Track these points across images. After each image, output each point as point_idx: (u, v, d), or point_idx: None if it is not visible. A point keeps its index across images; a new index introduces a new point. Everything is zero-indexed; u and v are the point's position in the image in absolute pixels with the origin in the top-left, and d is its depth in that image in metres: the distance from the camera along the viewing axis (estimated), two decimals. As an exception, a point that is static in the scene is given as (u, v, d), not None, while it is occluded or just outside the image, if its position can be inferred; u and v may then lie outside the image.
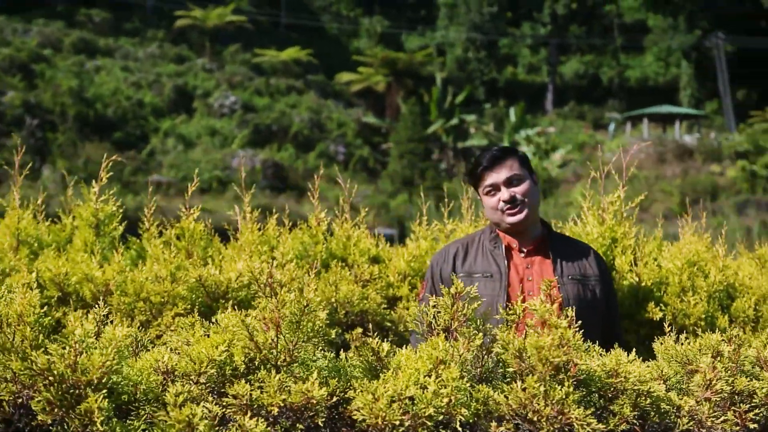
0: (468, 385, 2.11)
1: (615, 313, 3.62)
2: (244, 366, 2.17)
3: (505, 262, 3.53)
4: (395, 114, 43.61)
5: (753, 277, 4.61)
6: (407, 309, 4.26)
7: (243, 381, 2.09)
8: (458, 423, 2.04)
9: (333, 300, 4.09)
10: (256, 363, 2.18)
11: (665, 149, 38.58)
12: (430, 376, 2.13)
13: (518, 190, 3.49)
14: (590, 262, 3.56)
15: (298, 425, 2.05)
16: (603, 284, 3.53)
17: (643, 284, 4.19)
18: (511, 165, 3.50)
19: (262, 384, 2.09)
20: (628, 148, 40.49)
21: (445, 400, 2.04)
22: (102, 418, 1.94)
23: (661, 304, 4.13)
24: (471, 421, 2.07)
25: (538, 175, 3.71)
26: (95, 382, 1.98)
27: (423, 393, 2.05)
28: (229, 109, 40.75)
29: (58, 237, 4.37)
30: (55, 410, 1.96)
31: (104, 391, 1.98)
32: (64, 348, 2.00)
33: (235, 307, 3.82)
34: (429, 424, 2.03)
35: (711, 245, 4.92)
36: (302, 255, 4.45)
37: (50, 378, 1.98)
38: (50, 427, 2.03)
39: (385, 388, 2.07)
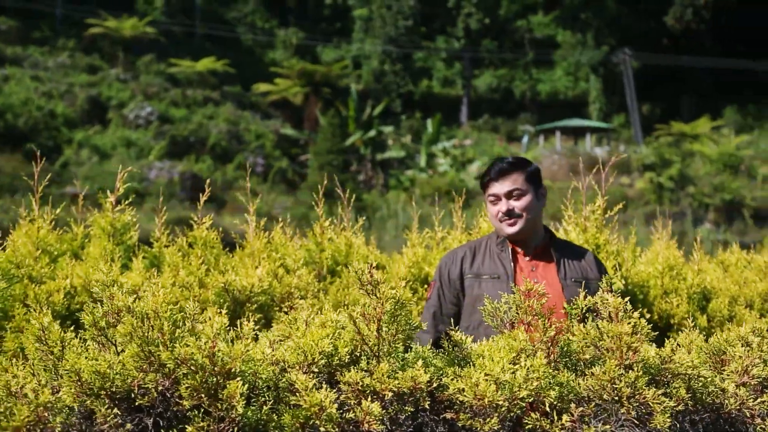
0: (551, 370, 2.37)
1: None
2: (348, 357, 2.39)
3: (512, 264, 3.74)
4: (313, 126, 43.78)
5: (720, 280, 5.02)
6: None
7: (352, 370, 2.32)
8: (547, 405, 2.31)
9: (345, 303, 4.31)
10: (358, 354, 2.40)
11: (577, 161, 39.74)
12: (514, 363, 2.39)
13: (517, 204, 3.71)
14: (591, 266, 3.79)
15: (406, 408, 2.28)
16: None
17: (630, 288, 4.53)
18: (516, 179, 3.72)
19: (367, 372, 2.31)
20: (541, 160, 41.30)
21: (535, 383, 2.30)
22: (243, 403, 2.14)
23: (645, 306, 4.48)
24: (556, 403, 2.34)
25: (545, 188, 3.89)
26: (234, 371, 2.18)
27: (514, 377, 2.30)
28: (145, 121, 40.26)
29: (71, 246, 4.48)
30: (201, 396, 2.15)
31: (239, 379, 2.18)
32: (199, 340, 2.19)
33: (258, 310, 4.03)
34: (522, 405, 2.28)
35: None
36: (308, 261, 4.66)
37: (193, 367, 2.17)
38: (187, 413, 2.22)
39: (480, 373, 2.32)
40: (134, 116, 40.19)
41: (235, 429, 2.19)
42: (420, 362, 2.32)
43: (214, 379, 2.19)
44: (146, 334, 2.22)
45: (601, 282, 3.71)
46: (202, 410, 2.23)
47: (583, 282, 3.68)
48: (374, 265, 4.86)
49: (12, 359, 3.10)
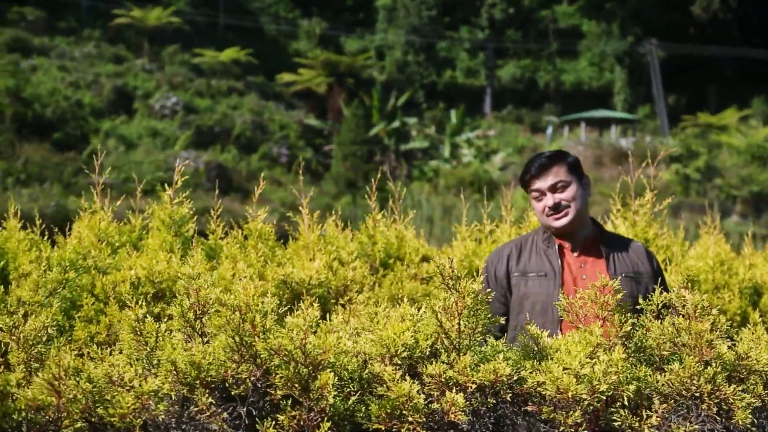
0: (630, 365, 2.42)
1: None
2: (428, 349, 2.45)
3: (559, 261, 3.67)
4: (337, 116, 43.83)
5: (770, 274, 5.03)
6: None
7: (434, 362, 2.38)
8: (626, 398, 2.36)
9: (399, 296, 4.36)
10: (437, 347, 2.46)
11: (602, 152, 39.61)
12: (591, 358, 2.44)
13: (563, 196, 3.64)
14: (642, 260, 3.68)
15: (488, 400, 2.34)
16: (656, 281, 3.59)
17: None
18: (557, 171, 3.66)
19: (448, 365, 2.37)
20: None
21: (614, 377, 2.35)
22: (334, 393, 2.21)
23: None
24: (634, 397, 2.39)
25: (588, 178, 3.82)
26: (324, 362, 2.24)
27: (593, 371, 2.35)
28: (171, 111, 40.47)
29: (129, 237, 4.56)
30: (295, 386, 2.22)
31: (329, 370, 2.25)
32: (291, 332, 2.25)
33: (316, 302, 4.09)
34: (602, 398, 2.34)
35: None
36: (361, 254, 4.72)
37: (286, 358, 2.23)
38: (277, 403, 2.29)
39: (559, 367, 2.37)
40: (160, 106, 40.40)
41: (325, 418, 2.25)
42: (501, 356, 2.38)
43: (305, 369, 2.25)
44: (240, 326, 2.29)
45: (653, 276, 3.67)
46: (291, 400, 2.30)
47: (635, 276, 3.62)
48: (422, 257, 4.91)
49: (81, 348, 3.17)
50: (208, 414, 2.18)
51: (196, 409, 2.21)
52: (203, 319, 2.34)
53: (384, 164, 42.35)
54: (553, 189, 3.66)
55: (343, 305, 4.13)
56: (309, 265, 4.26)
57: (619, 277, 3.49)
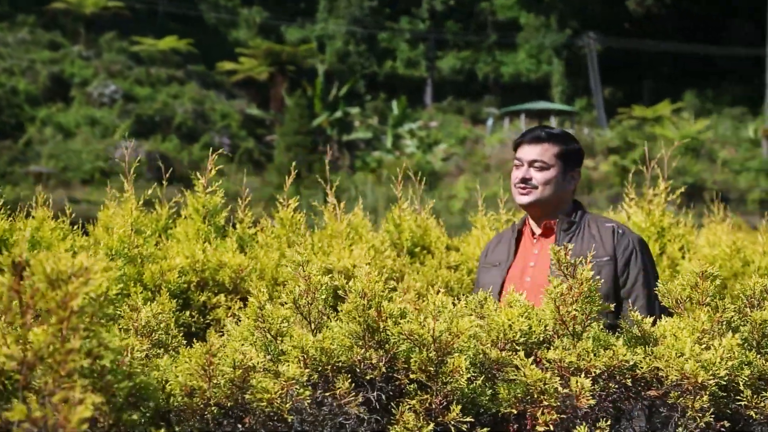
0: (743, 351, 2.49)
1: (642, 292, 3.34)
2: (542, 335, 2.48)
3: (514, 249, 3.54)
4: (279, 106, 43.58)
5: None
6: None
7: (551, 347, 2.41)
8: (742, 384, 2.43)
9: (435, 283, 4.39)
10: (550, 333, 2.50)
11: (543, 144, 40.16)
12: (698, 344, 2.50)
13: (537, 175, 3.45)
14: (605, 243, 3.38)
15: (610, 384, 2.39)
16: (616, 265, 3.35)
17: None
18: (545, 150, 3.47)
19: (567, 350, 2.41)
20: (507, 142, 41.63)
21: (730, 362, 2.42)
22: (467, 376, 2.23)
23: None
24: (750, 382, 2.46)
25: (579, 173, 3.56)
26: (455, 347, 2.26)
27: (712, 356, 2.41)
28: (110, 99, 39.76)
29: (156, 226, 4.50)
30: (429, 370, 2.23)
31: (459, 354, 2.27)
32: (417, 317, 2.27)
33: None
34: (722, 383, 2.40)
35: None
36: (390, 243, 4.74)
37: (417, 343, 2.25)
38: (404, 388, 2.30)
39: (672, 352, 2.43)
40: (98, 94, 39.67)
41: (454, 401, 2.27)
42: (621, 341, 2.43)
43: (433, 354, 2.27)
44: (366, 311, 2.30)
45: (613, 262, 3.33)
46: (418, 384, 2.32)
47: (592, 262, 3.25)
48: (446, 246, 4.95)
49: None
50: (346, 399, 2.18)
51: (328, 393, 2.22)
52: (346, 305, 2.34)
53: (327, 154, 42.25)
54: (531, 164, 3.48)
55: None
56: (345, 254, 4.26)
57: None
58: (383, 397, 2.30)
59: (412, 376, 2.26)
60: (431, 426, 2.23)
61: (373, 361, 2.28)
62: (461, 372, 2.24)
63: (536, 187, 3.46)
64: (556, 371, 2.38)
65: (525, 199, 3.46)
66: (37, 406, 1.56)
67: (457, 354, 2.27)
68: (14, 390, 1.75)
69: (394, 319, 2.31)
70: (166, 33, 45.85)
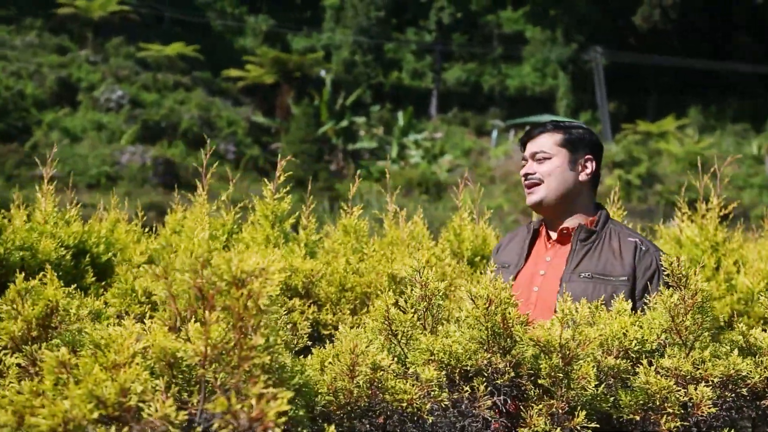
0: None
1: None
2: (654, 344, 2.54)
3: (526, 251, 3.31)
4: (285, 114, 43.66)
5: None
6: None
7: (665, 356, 2.47)
8: None
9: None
10: (662, 342, 2.55)
11: (548, 157, 40.26)
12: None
13: (540, 168, 3.25)
14: (624, 261, 3.10)
15: (726, 393, 2.44)
16: (635, 285, 3.09)
17: (759, 284, 4.72)
18: (547, 140, 3.27)
19: (681, 359, 2.46)
20: (512, 154, 41.71)
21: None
22: (594, 383, 2.29)
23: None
24: None
25: (593, 162, 3.33)
26: (579, 354, 2.32)
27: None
28: (116, 104, 39.81)
29: (223, 230, 4.55)
30: (558, 376, 2.28)
31: (589, 358, 2.32)
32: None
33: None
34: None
35: None
36: (450, 252, 4.79)
37: (545, 348, 2.30)
38: (525, 393, 2.35)
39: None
40: (105, 99, 39.72)
41: (578, 407, 2.32)
42: (735, 351, 2.48)
43: (559, 361, 2.32)
44: (493, 317, 2.35)
45: (631, 280, 3.06)
46: (541, 389, 2.37)
47: (601, 278, 3.08)
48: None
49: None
50: (480, 402, 2.23)
51: (465, 395, 2.27)
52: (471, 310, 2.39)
53: (332, 163, 42.34)
54: (533, 157, 3.29)
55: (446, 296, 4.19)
56: (408, 261, 4.31)
57: (570, 276, 3.14)
58: (508, 401, 2.35)
59: (540, 381, 2.31)
60: (558, 430, 2.28)
61: (500, 366, 2.33)
62: (589, 379, 2.29)
63: (539, 182, 3.24)
64: (672, 379, 2.43)
65: (532, 199, 3.25)
66: (235, 401, 1.61)
67: (582, 361, 2.32)
68: (193, 384, 1.80)
69: (520, 326, 2.36)
70: (172, 39, 45.96)
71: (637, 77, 50.23)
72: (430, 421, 2.15)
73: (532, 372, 2.36)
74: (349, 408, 2.12)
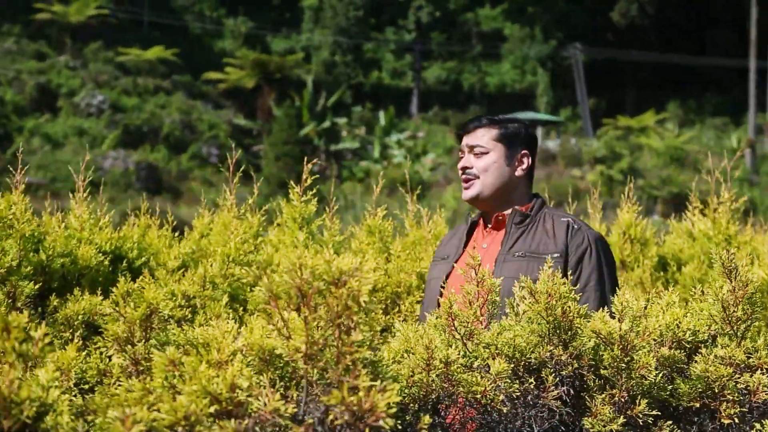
0: None
1: (594, 295, 3.14)
2: (706, 334, 2.63)
3: (464, 242, 3.37)
4: (266, 116, 43.62)
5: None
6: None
7: (718, 346, 2.56)
8: None
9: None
10: (712, 332, 2.64)
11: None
12: None
13: (477, 163, 3.29)
14: (557, 239, 3.17)
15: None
16: (567, 262, 3.14)
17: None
18: (484, 134, 3.32)
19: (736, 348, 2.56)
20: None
21: None
22: (654, 376, 2.37)
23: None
24: None
25: (529, 157, 3.38)
26: (636, 345, 2.40)
27: None
28: (97, 109, 39.65)
29: (249, 233, 4.61)
30: (621, 367, 2.37)
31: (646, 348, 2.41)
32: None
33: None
34: None
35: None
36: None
37: (606, 340, 2.39)
38: (585, 383, 2.44)
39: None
40: (85, 104, 39.55)
41: (639, 397, 2.41)
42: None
43: (619, 352, 2.40)
44: (553, 311, 2.43)
45: (564, 256, 3.12)
46: (602, 380, 2.45)
47: (533, 256, 3.13)
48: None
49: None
50: (550, 393, 2.31)
51: (523, 387, 2.35)
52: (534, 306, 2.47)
53: (314, 164, 42.33)
54: (471, 151, 3.33)
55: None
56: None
57: (504, 257, 3.19)
58: (572, 391, 2.43)
59: (602, 372, 2.40)
60: (621, 419, 2.36)
61: (563, 358, 2.41)
62: (649, 368, 2.38)
63: (476, 177, 3.29)
64: (729, 368, 2.52)
65: (468, 194, 3.31)
66: (348, 393, 1.68)
67: (642, 351, 2.41)
68: (286, 379, 1.87)
69: (581, 318, 2.45)
70: (151, 43, 45.78)
71: (615, 73, 50.59)
72: (505, 411, 2.22)
73: (593, 363, 2.44)
74: (424, 400, 2.20)
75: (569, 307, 2.44)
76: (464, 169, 3.31)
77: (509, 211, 3.29)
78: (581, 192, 39.18)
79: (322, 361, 1.80)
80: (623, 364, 2.37)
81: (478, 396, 2.21)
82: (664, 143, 42.82)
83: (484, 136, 3.30)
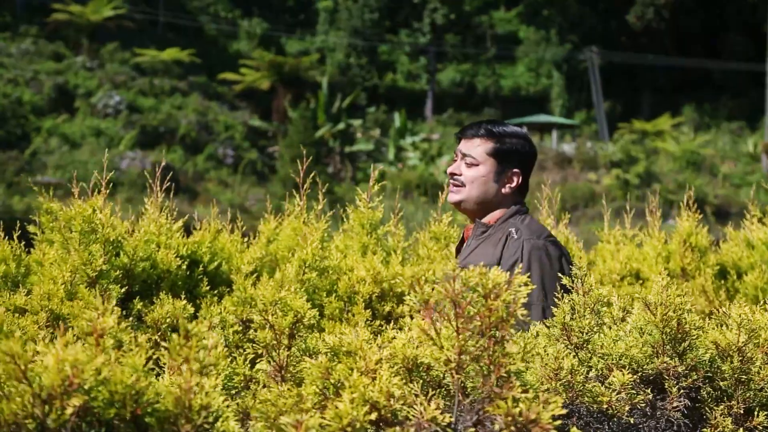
0: None
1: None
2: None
3: (456, 249, 3.52)
4: (281, 118, 43.70)
5: None
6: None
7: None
8: None
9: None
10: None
11: (546, 157, 40.44)
12: None
13: (465, 172, 3.31)
14: (496, 250, 3.19)
15: None
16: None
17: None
18: (477, 146, 3.31)
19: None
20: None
21: None
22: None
23: None
24: None
25: (519, 175, 3.34)
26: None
27: None
28: (114, 110, 39.76)
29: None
30: (741, 377, 2.38)
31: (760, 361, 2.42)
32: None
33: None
34: None
35: None
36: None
37: (723, 352, 2.39)
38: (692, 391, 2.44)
39: None
40: (102, 105, 39.66)
41: (756, 408, 2.41)
42: None
43: (737, 363, 2.40)
44: (669, 323, 2.43)
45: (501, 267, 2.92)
46: (719, 392, 2.45)
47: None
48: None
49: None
50: (673, 404, 2.31)
51: (646, 397, 2.34)
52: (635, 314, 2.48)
53: (329, 166, 42.40)
54: (464, 159, 3.34)
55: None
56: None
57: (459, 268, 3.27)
58: (689, 402, 2.43)
59: (722, 384, 2.40)
60: (741, 430, 2.36)
61: (679, 370, 2.41)
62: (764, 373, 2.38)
63: (462, 185, 3.31)
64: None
65: (452, 198, 3.36)
66: (512, 404, 1.68)
67: (759, 362, 2.41)
68: (436, 387, 1.88)
69: (698, 330, 2.45)
70: (166, 44, 45.92)
71: (630, 76, 50.52)
72: (632, 421, 2.22)
73: (710, 374, 2.44)
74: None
75: (684, 318, 2.44)
76: (453, 173, 3.35)
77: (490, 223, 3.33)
78: (597, 196, 39.26)
79: (474, 372, 1.80)
80: (743, 376, 2.37)
81: (604, 407, 2.21)
82: (680, 147, 42.72)
83: (478, 147, 3.30)
